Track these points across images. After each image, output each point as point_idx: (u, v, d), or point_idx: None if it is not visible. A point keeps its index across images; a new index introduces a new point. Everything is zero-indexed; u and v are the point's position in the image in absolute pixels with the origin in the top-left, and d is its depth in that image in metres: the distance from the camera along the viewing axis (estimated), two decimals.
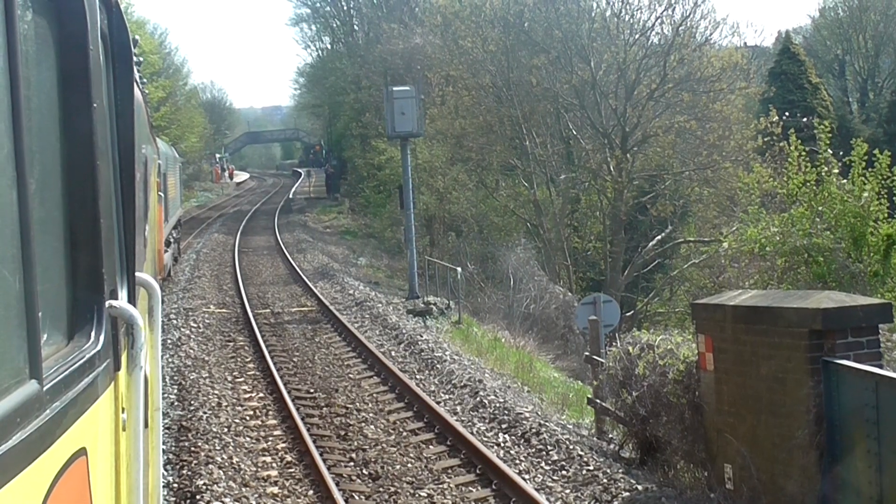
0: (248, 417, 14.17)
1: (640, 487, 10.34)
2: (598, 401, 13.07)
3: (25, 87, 2.02)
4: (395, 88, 27.36)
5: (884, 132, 52.79)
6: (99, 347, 2.50)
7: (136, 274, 3.66)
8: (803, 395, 8.33)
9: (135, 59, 4.89)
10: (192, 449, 12.25)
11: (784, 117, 31.19)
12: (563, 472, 11.30)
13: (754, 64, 41.41)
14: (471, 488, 10.96)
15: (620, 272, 36.53)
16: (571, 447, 11.99)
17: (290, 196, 78.18)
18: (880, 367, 8.17)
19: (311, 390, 15.87)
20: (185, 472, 11.43)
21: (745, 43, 48.28)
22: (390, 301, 25.93)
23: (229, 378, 16.85)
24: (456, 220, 42.09)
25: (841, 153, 19.29)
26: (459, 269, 25.36)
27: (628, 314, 33.39)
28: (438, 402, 14.55)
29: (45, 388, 2.01)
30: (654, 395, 10.75)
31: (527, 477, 11.10)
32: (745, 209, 22.26)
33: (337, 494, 10.32)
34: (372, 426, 13.63)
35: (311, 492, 10.89)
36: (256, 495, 10.64)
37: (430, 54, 45.57)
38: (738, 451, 9.27)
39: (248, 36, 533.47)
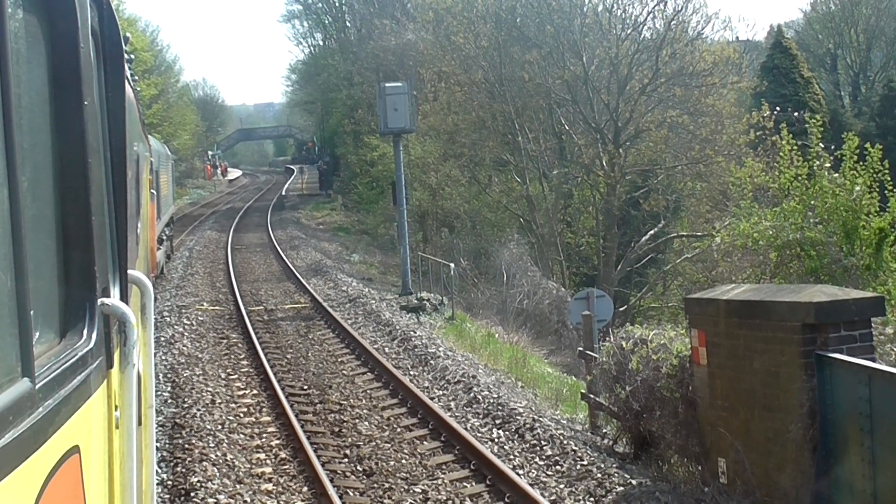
0: (241, 414, 14.17)
1: (634, 482, 10.36)
2: (591, 396, 13.09)
3: (16, 85, 2.01)
4: (387, 85, 27.32)
5: (875, 126, 52.86)
6: (91, 345, 2.49)
7: (129, 271, 3.66)
8: (796, 389, 8.35)
9: (126, 56, 4.88)
10: (186, 446, 12.24)
11: (776, 111, 31.18)
12: (558, 468, 11.32)
13: (746, 58, 41.52)
14: (465, 484, 10.97)
15: (613, 267, 36.56)
16: (565, 442, 12.01)
17: (283, 193, 78.09)
18: (873, 360, 8.20)
19: (305, 387, 15.86)
20: (179, 469, 11.43)
21: (737, 37, 48.42)
22: (383, 297, 25.92)
23: (223, 375, 16.83)
24: (449, 215, 42.10)
25: (833, 147, 19.32)
26: (452, 264, 25.37)
27: (621, 309, 33.42)
28: (432, 398, 14.56)
29: (37, 386, 2.00)
30: (647, 390, 10.76)
31: (521, 472, 11.11)
32: (737, 203, 22.28)
33: (331, 491, 10.32)
34: (366, 422, 13.63)
35: (305, 488, 10.89)
36: (251, 492, 10.63)
37: (422, 50, 45.51)
38: (731, 446, 9.29)
39: (239, 33, 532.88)
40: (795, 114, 31.41)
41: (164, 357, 17.97)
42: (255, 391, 15.63)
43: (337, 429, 13.35)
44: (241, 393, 15.54)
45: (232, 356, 18.57)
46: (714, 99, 35.45)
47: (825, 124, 20.95)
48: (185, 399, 14.78)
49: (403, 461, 11.87)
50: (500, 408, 13.84)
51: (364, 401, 14.92)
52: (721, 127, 35.06)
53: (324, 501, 10.30)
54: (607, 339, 12.54)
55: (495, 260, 32.23)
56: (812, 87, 53.93)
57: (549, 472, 11.21)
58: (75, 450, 2.24)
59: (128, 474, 2.94)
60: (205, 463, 11.49)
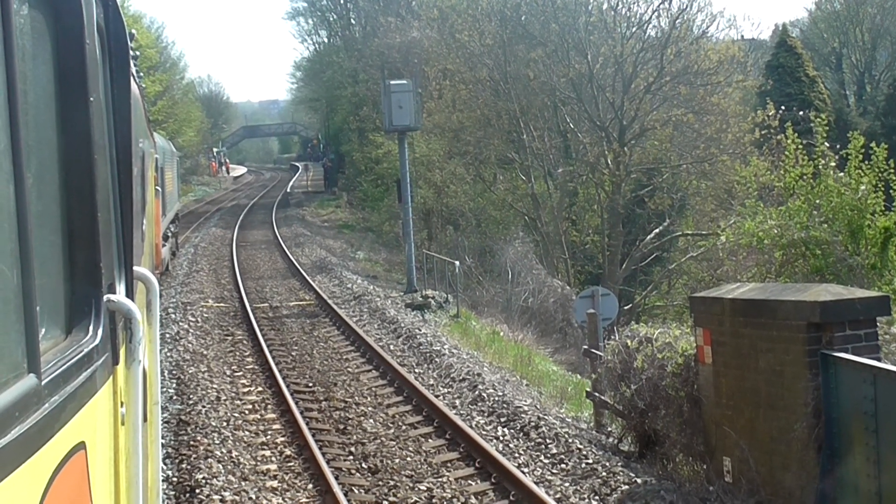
0: (246, 411, 14.17)
1: (638, 480, 10.35)
2: (596, 394, 13.08)
3: (22, 82, 2.01)
4: (392, 82, 27.30)
5: (881, 125, 52.81)
6: (97, 342, 2.49)
7: (134, 268, 3.66)
8: (801, 389, 8.33)
9: (131, 53, 4.88)
10: (192, 443, 12.25)
11: (781, 110, 31.18)
12: (563, 466, 11.31)
13: (751, 57, 41.51)
14: (470, 482, 10.97)
15: (618, 265, 36.54)
16: (570, 440, 12.00)
17: (288, 190, 77.99)
18: (878, 359, 8.18)
19: (310, 384, 15.87)
20: (184, 465, 11.44)
21: (742, 36, 48.33)
22: (388, 295, 25.92)
23: (228, 372, 16.84)
24: (454, 213, 42.08)
25: (838, 146, 19.34)
26: (457, 262, 25.37)
27: (626, 307, 33.42)
28: (437, 396, 14.55)
29: (43, 383, 2.00)
30: (652, 389, 10.75)
31: (526, 470, 11.11)
32: (742, 202, 22.28)
33: (336, 488, 10.32)
34: (371, 420, 13.63)
35: (310, 485, 10.90)
36: (256, 489, 10.64)
37: (427, 48, 45.52)
38: (736, 445, 9.28)
39: (245, 30, 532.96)
40: (801, 113, 31.41)
41: (169, 354, 17.99)
42: (260, 388, 15.64)
43: (342, 426, 13.35)
44: (246, 390, 15.55)
45: (237, 353, 18.58)
46: (719, 98, 35.41)
47: (830, 123, 20.98)
48: (191, 396, 14.79)
49: (408, 459, 11.87)
50: (505, 406, 13.84)
51: (369, 398, 14.92)
52: (726, 126, 35.02)
53: (329, 499, 10.31)
54: (612, 337, 12.53)
55: (500, 258, 32.22)
56: (817, 86, 53.88)
57: (554, 471, 11.21)
58: (81, 446, 2.25)
59: (133, 470, 2.94)
60: (210, 460, 11.50)
